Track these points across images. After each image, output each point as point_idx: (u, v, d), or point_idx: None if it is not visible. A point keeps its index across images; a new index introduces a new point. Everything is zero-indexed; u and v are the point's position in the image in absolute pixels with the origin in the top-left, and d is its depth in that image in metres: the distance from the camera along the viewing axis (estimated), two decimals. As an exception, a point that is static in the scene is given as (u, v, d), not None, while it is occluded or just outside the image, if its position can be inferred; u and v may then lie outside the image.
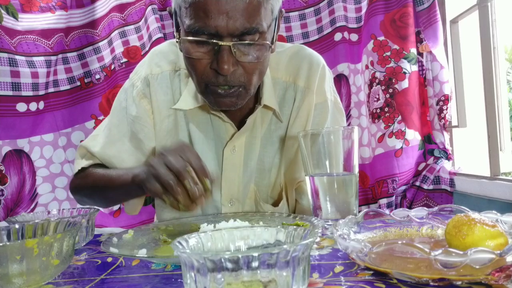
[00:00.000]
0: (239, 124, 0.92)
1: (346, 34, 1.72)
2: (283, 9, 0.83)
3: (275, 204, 0.98)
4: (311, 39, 1.78)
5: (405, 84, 1.56)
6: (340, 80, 1.72)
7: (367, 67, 1.65)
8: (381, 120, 1.60)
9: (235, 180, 0.94)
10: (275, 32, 0.80)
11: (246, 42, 0.74)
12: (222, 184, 0.94)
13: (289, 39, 1.78)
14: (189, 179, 0.67)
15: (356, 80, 1.72)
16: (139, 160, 0.93)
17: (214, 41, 0.73)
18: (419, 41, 1.58)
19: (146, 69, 0.94)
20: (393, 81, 1.57)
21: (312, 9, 1.77)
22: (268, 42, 0.77)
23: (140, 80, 0.94)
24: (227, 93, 0.78)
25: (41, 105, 1.64)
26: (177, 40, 0.78)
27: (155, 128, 0.94)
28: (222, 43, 0.73)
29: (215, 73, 0.76)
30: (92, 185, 0.92)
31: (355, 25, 1.72)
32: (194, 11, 0.72)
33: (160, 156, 0.71)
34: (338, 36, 1.73)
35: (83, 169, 0.96)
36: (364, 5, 1.69)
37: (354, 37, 1.73)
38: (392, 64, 1.57)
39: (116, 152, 0.94)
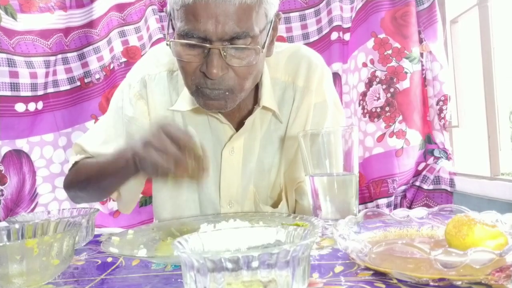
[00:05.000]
0: (238, 125, 0.91)
1: (341, 34, 1.73)
2: (280, 13, 0.81)
3: (275, 205, 0.97)
4: (311, 39, 1.78)
5: (406, 84, 1.56)
6: (335, 79, 1.73)
7: (365, 65, 1.63)
8: (381, 120, 1.59)
9: (234, 181, 0.93)
10: (269, 35, 0.78)
11: (236, 46, 0.72)
12: (221, 186, 0.93)
13: (290, 39, 1.78)
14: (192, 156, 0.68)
15: (348, 79, 1.72)
16: None
17: (204, 44, 0.72)
18: (420, 41, 1.58)
19: (143, 70, 0.94)
20: (395, 80, 1.57)
21: (312, 10, 1.78)
22: (259, 46, 0.75)
23: (137, 81, 0.93)
24: (216, 96, 0.77)
25: (40, 105, 1.64)
26: (167, 42, 0.77)
27: None
28: (211, 47, 0.72)
29: (205, 76, 0.75)
30: (85, 177, 0.91)
31: (349, 25, 1.72)
32: (184, 14, 0.71)
33: (157, 132, 0.70)
34: (334, 35, 1.74)
35: (75, 164, 0.95)
36: (357, 3, 1.68)
37: (348, 36, 1.73)
38: (393, 63, 1.57)
39: (111, 152, 0.92)
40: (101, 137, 0.95)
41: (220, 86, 0.76)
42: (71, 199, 1.01)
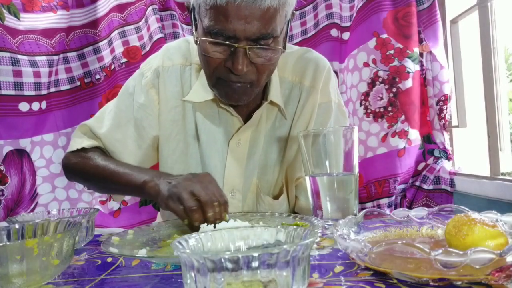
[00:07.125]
0: (246, 119, 0.96)
1: (339, 32, 1.74)
2: (294, 11, 0.87)
3: (276, 197, 1.01)
4: (309, 34, 1.79)
5: (408, 83, 1.55)
6: None
7: (366, 64, 1.62)
8: (384, 120, 1.59)
9: (238, 172, 0.97)
10: (287, 33, 0.85)
11: (261, 46, 0.79)
12: (225, 175, 0.97)
13: (290, 38, 1.79)
14: (213, 212, 0.72)
15: (346, 78, 1.72)
16: (141, 147, 0.98)
17: (231, 43, 0.78)
18: (419, 41, 1.58)
19: (158, 61, 0.98)
20: (397, 80, 1.56)
21: (310, 6, 1.79)
22: (280, 46, 0.82)
23: (151, 71, 0.97)
24: (236, 89, 0.83)
25: (44, 104, 1.64)
26: (196, 39, 0.83)
27: (160, 118, 0.97)
28: (238, 46, 0.77)
29: (229, 71, 0.81)
30: (93, 172, 0.93)
31: (348, 24, 1.72)
32: (214, 14, 0.76)
33: (187, 181, 0.75)
34: (332, 33, 1.74)
35: (82, 149, 0.97)
36: (358, 3, 1.68)
37: (346, 35, 1.73)
38: (395, 63, 1.55)
39: (121, 136, 0.97)
40: (112, 121, 0.98)
41: (242, 80, 0.82)
42: (67, 178, 1.03)
